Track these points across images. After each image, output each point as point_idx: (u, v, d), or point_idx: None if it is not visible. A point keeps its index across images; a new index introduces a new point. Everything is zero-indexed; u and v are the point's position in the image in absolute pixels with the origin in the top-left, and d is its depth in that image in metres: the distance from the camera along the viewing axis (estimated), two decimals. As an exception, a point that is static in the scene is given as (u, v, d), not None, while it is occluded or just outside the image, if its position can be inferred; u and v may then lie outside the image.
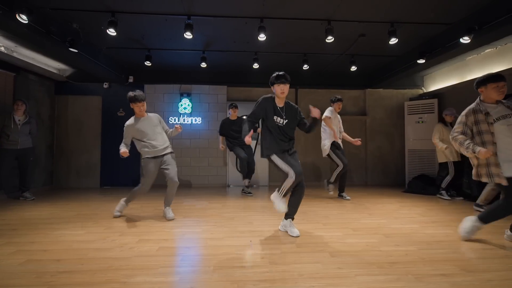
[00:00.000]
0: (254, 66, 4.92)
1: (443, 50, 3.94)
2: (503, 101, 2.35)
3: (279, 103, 2.61)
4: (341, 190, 4.37)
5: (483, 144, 2.25)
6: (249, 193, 4.69)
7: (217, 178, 5.82)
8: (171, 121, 5.75)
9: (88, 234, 2.56)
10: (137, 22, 3.71)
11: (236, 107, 4.73)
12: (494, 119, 2.24)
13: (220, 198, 4.47)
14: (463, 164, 4.26)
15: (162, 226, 2.82)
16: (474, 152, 2.18)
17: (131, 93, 3.01)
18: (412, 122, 5.64)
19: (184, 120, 5.76)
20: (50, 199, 4.29)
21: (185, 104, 5.73)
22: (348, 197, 4.29)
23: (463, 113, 2.36)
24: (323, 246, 2.25)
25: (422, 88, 6.18)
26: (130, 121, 3.08)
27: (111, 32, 3.36)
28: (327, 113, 4.22)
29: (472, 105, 2.35)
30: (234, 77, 6.02)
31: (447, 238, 2.48)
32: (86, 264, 1.91)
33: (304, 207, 3.74)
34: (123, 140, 3.07)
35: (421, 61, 4.22)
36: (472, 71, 4.85)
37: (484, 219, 2.35)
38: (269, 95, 2.66)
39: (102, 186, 5.55)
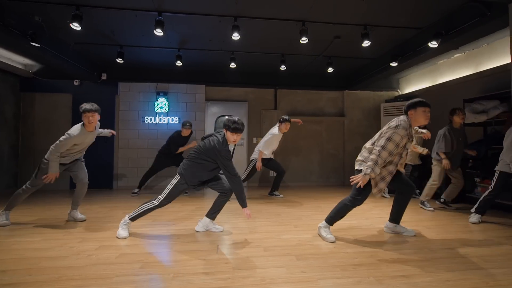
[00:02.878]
0: (231, 66, 4.86)
1: (414, 54, 4.05)
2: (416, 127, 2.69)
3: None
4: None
5: (390, 155, 2.29)
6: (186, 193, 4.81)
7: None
8: (146, 121, 5.57)
9: (45, 241, 2.40)
10: (106, 17, 3.55)
11: (189, 127, 4.56)
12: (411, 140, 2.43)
13: (195, 199, 4.37)
14: (424, 167, 4.42)
15: (127, 231, 2.70)
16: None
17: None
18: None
19: (160, 119, 5.60)
20: (11, 203, 4.02)
21: (162, 104, 5.56)
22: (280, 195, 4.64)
23: (402, 125, 2.26)
24: (290, 249, 2.23)
25: (398, 90, 6.35)
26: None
27: (76, 26, 3.19)
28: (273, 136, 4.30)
29: (405, 122, 2.30)
30: (212, 76, 5.93)
31: (413, 238, 2.53)
32: (34, 274, 1.77)
33: (279, 208, 3.72)
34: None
35: (394, 64, 4.31)
36: (443, 75, 5.03)
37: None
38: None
39: (72, 188, 5.29)
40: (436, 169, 3.64)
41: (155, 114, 5.59)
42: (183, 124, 4.55)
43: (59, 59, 4.27)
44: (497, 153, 3.77)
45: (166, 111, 5.59)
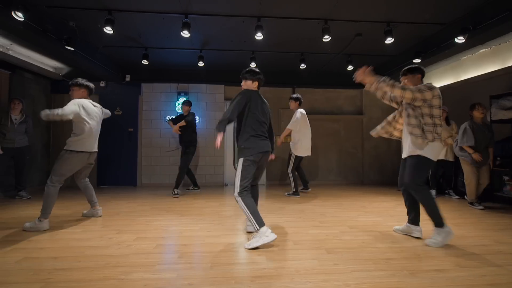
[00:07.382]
0: (251, 65, 4.93)
1: (438, 50, 3.99)
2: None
3: None
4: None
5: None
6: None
7: (215, 177, 5.83)
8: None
9: (85, 232, 2.55)
10: (134, 20, 3.70)
11: (186, 104, 4.75)
12: None
13: (217, 196, 4.47)
14: (454, 164, 4.35)
15: (159, 225, 2.83)
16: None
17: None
18: (408, 122, 5.68)
19: (181, 119, 5.76)
20: (46, 198, 4.27)
21: (183, 103, 5.71)
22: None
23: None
24: (319, 243, 2.27)
25: (418, 87, 6.23)
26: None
27: (108, 30, 3.36)
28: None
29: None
30: (231, 76, 6.01)
31: (442, 235, 2.51)
32: (83, 261, 1.91)
33: (302, 205, 3.77)
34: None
35: (417, 60, 4.26)
36: (467, 71, 4.90)
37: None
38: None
39: (99, 185, 5.52)
40: (464, 167, 3.60)
41: (176, 114, 5.74)
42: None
43: (88, 62, 4.49)
44: (526, 150, 3.67)
45: (187, 110, 5.73)
